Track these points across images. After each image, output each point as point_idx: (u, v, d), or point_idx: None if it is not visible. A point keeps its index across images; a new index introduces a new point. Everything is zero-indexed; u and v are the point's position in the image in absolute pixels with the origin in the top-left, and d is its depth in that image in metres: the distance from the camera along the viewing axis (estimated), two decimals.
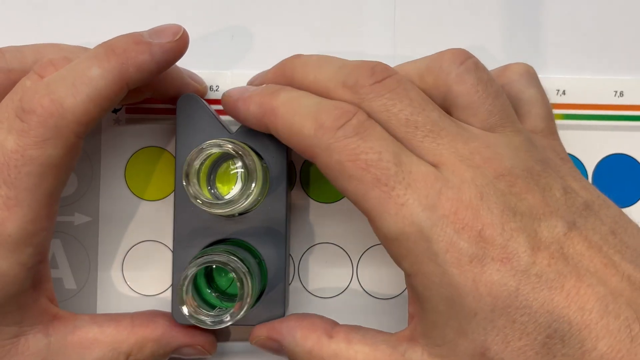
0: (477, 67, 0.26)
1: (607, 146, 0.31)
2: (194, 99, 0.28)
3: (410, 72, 0.26)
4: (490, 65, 0.27)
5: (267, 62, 0.31)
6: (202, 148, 0.25)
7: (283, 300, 0.28)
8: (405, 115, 0.24)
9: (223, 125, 0.28)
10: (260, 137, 0.27)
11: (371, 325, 0.26)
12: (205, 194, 0.26)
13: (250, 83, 0.29)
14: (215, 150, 0.25)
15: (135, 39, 0.25)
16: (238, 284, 0.25)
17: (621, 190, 0.31)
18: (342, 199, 0.31)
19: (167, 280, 0.30)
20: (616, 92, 0.31)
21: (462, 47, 0.32)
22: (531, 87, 0.28)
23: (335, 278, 0.31)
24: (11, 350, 0.25)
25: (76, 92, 0.23)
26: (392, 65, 0.26)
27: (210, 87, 0.31)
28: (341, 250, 0.31)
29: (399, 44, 0.32)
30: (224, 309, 0.26)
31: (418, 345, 0.24)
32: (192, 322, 0.25)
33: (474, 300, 0.21)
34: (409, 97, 0.24)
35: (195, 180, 0.25)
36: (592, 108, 0.31)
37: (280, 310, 0.28)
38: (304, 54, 0.27)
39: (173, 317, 0.28)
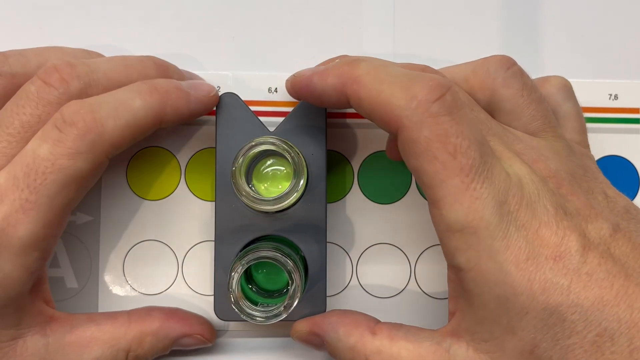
0: (522, 73, 0.26)
1: (602, 148, 0.31)
2: (234, 98, 0.28)
3: (455, 75, 0.27)
4: None
5: (267, 62, 0.32)
6: (253, 145, 0.26)
7: (324, 296, 0.28)
8: None
9: (262, 124, 0.28)
10: (299, 135, 0.28)
11: None
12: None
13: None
14: (266, 147, 0.26)
15: (176, 85, 0.27)
16: (289, 279, 0.25)
17: None
18: (342, 199, 0.31)
19: (168, 279, 0.31)
20: (611, 95, 0.32)
21: (461, 47, 0.32)
22: (568, 101, 0.29)
23: (335, 277, 0.31)
24: (9, 353, 0.25)
25: (117, 116, 0.24)
26: None
27: None
28: (341, 249, 0.31)
29: (398, 45, 0.32)
30: (265, 304, 0.26)
31: (462, 340, 0.24)
32: (244, 317, 0.25)
33: (527, 299, 0.22)
34: None
35: (243, 177, 0.26)
36: (586, 110, 0.31)
37: (321, 306, 0.28)
38: (349, 55, 0.28)
39: (216, 314, 0.28)
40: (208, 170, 0.31)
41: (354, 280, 0.31)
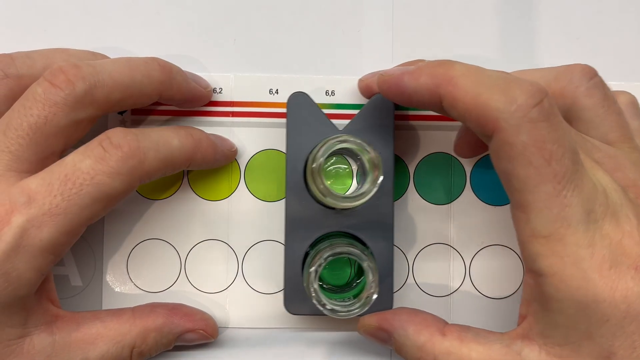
0: (603, 84, 0.27)
1: None
2: (304, 97, 0.29)
3: (537, 80, 0.26)
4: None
5: (268, 64, 0.32)
6: (336, 142, 0.26)
7: (391, 293, 0.29)
8: None
9: (332, 124, 0.29)
10: (367, 134, 0.28)
11: None
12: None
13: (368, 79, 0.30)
14: (348, 145, 0.26)
15: (207, 135, 0.29)
16: (368, 274, 0.26)
17: None
18: None
19: (171, 277, 0.31)
20: None
21: (459, 50, 0.32)
22: (637, 118, 0.29)
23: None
24: (16, 350, 0.25)
25: (158, 149, 0.26)
26: None
27: (214, 89, 0.31)
28: None
29: (397, 45, 0.32)
30: (334, 299, 0.26)
31: (535, 344, 0.24)
32: (325, 312, 0.26)
33: (609, 306, 0.22)
34: None
35: (323, 174, 0.26)
36: None
37: (389, 303, 0.29)
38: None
39: (287, 309, 0.29)
40: (209, 170, 0.31)
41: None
